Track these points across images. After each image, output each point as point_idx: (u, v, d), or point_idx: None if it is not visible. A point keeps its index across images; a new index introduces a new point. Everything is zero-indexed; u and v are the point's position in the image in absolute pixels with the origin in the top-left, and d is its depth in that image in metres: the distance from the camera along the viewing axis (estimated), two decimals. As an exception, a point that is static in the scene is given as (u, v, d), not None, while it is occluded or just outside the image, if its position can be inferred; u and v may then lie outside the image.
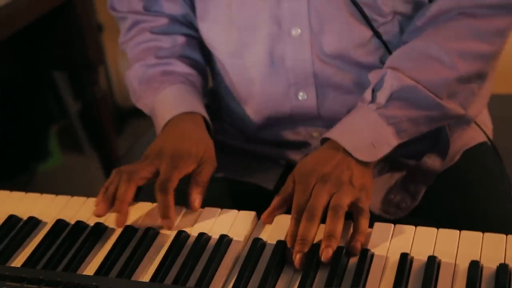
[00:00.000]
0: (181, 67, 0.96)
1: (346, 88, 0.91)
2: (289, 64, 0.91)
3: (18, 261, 0.77)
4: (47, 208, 0.85)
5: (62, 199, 0.87)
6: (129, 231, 0.79)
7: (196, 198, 0.82)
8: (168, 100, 0.92)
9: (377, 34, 0.88)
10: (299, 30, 0.89)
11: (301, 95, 0.93)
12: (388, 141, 0.83)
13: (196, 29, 1.00)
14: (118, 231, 0.80)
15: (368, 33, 0.88)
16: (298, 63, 0.91)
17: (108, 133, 1.86)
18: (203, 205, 0.83)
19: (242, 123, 1.00)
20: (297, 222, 0.74)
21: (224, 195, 0.93)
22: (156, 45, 0.98)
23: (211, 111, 1.04)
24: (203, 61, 1.01)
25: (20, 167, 2.20)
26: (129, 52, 1.00)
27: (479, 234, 0.72)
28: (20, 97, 2.14)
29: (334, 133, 0.83)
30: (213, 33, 0.96)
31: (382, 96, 0.83)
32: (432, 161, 0.92)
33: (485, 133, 0.96)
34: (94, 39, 1.72)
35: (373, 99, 0.84)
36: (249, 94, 0.96)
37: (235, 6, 0.91)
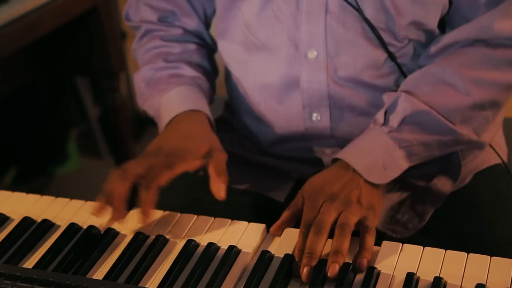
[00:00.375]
0: (189, 71, 0.98)
1: (360, 110, 0.92)
2: (304, 85, 0.92)
3: (30, 263, 0.78)
4: (61, 211, 0.87)
5: (76, 203, 0.88)
6: (139, 237, 0.80)
7: (220, 187, 0.82)
8: (174, 100, 0.94)
9: (392, 57, 0.89)
10: (315, 53, 0.90)
11: (315, 116, 0.94)
12: (399, 164, 0.83)
13: (207, 43, 1.03)
14: (129, 237, 0.81)
15: (384, 56, 0.89)
16: (313, 84, 0.92)
17: (126, 139, 1.88)
18: (215, 215, 0.83)
19: (256, 137, 1.01)
20: (305, 236, 0.75)
21: (235, 206, 0.94)
22: (167, 50, 1.00)
23: (226, 123, 1.05)
24: (212, 70, 1.03)
25: (39, 169, 2.23)
26: (140, 57, 1.02)
27: (487, 257, 0.72)
28: (42, 101, 2.18)
29: (345, 154, 0.84)
30: (231, 51, 0.98)
31: (394, 120, 0.84)
32: (442, 184, 0.92)
33: (499, 156, 0.96)
34: (116, 46, 1.74)
35: (386, 122, 0.85)
36: (264, 112, 0.98)
37: (255, 27, 0.92)
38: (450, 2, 0.89)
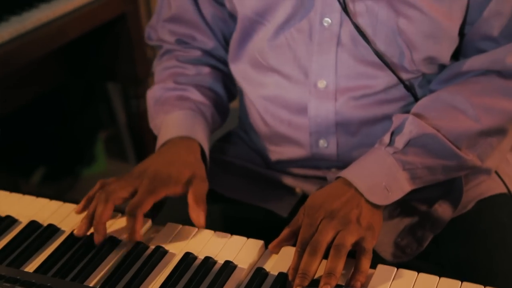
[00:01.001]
0: (196, 96, 0.98)
1: (368, 137, 0.92)
2: (312, 113, 0.93)
3: (32, 267, 0.80)
4: (68, 216, 0.89)
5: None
6: (139, 247, 0.81)
7: (199, 215, 0.83)
8: (172, 123, 0.95)
9: (403, 84, 0.90)
10: (324, 82, 0.91)
11: (322, 143, 0.94)
12: (402, 186, 0.83)
13: (225, 63, 1.03)
14: (129, 246, 0.82)
15: (394, 84, 0.89)
16: (321, 112, 0.92)
17: (149, 144, 1.91)
18: (217, 228, 0.84)
19: (264, 153, 1.02)
20: (300, 255, 0.75)
21: (238, 219, 0.95)
22: (180, 71, 1.01)
23: (237, 136, 1.06)
24: (224, 94, 1.03)
25: (66, 170, 2.28)
26: (156, 74, 1.04)
27: (480, 287, 0.71)
28: (73, 103, 2.22)
29: (348, 173, 0.84)
30: (243, 71, 0.98)
31: (400, 141, 0.84)
32: (443, 210, 0.91)
33: (505, 184, 0.94)
34: (143, 53, 1.77)
35: (391, 143, 0.84)
36: (272, 135, 0.98)
37: (267, 53, 0.93)
38: (463, 34, 0.88)
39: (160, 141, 0.94)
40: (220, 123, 1.03)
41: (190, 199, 0.84)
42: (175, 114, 0.95)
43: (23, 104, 1.84)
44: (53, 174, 2.24)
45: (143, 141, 1.93)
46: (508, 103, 0.86)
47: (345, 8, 0.86)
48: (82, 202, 0.86)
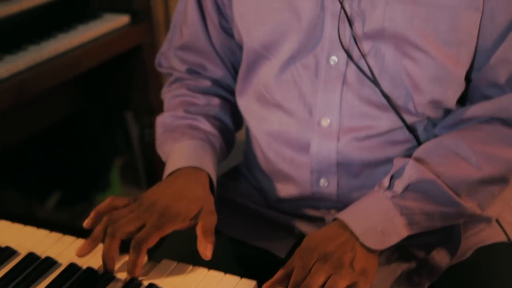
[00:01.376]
0: (206, 126, 0.99)
1: (369, 179, 0.91)
2: (314, 151, 0.92)
3: (25, 300, 0.81)
4: (67, 249, 0.89)
5: (82, 242, 0.90)
6: (133, 283, 0.81)
7: (207, 247, 0.82)
8: (181, 152, 0.95)
9: (407, 127, 0.89)
10: (328, 121, 0.90)
11: (323, 182, 0.94)
12: (398, 231, 0.82)
13: (233, 93, 1.04)
14: (124, 282, 0.82)
15: (398, 126, 0.89)
16: (323, 151, 0.92)
17: (161, 173, 1.92)
18: (214, 265, 0.84)
19: (265, 191, 1.02)
20: (290, 298, 0.74)
21: (235, 257, 0.95)
22: (190, 100, 1.02)
23: (240, 173, 1.06)
24: (232, 126, 1.04)
25: (81, 195, 2.30)
26: (166, 102, 1.05)
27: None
28: (90, 129, 2.25)
29: (345, 215, 0.83)
30: (249, 106, 0.99)
31: (399, 185, 0.83)
32: (441, 257, 0.90)
33: (505, 233, 0.93)
34: (157, 84, 1.79)
35: (390, 186, 0.84)
36: (273, 171, 0.98)
37: (272, 88, 0.94)
38: (469, 79, 0.88)
39: (169, 169, 0.94)
40: (226, 153, 1.04)
41: (199, 231, 0.84)
42: (185, 143, 0.96)
43: (41, 129, 1.87)
44: (68, 199, 2.26)
45: (156, 169, 1.94)
46: (510, 152, 0.85)
47: (347, 51, 0.86)
48: (91, 216, 0.85)
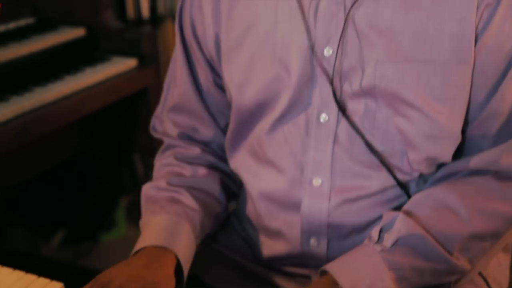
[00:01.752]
0: (188, 199, 0.95)
1: (360, 240, 0.89)
2: (305, 211, 0.91)
3: None
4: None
5: (56, 285, 0.86)
6: None
7: None
8: (152, 229, 0.90)
9: (400, 185, 0.88)
10: (320, 181, 0.89)
11: (313, 242, 0.92)
12: (387, 286, 0.80)
13: (225, 160, 1.01)
14: None
15: (390, 184, 0.88)
16: (314, 211, 0.90)
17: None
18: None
19: (254, 245, 1.00)
20: None
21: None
22: (177, 171, 0.99)
23: (230, 224, 1.05)
24: (221, 196, 1.00)
25: (86, 234, 2.31)
26: (155, 170, 1.03)
27: None
28: (97, 169, 2.27)
29: (333, 267, 0.82)
30: (241, 160, 0.97)
31: (388, 239, 0.82)
32: None
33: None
34: (162, 127, 1.81)
35: (380, 240, 0.83)
36: (263, 227, 0.97)
37: (264, 144, 0.92)
38: (464, 132, 0.87)
39: (136, 246, 0.89)
40: (211, 227, 0.98)
41: None
42: (158, 218, 0.91)
43: (48, 168, 1.89)
44: (73, 237, 2.26)
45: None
46: (502, 206, 0.83)
47: (341, 107, 0.85)
48: None
